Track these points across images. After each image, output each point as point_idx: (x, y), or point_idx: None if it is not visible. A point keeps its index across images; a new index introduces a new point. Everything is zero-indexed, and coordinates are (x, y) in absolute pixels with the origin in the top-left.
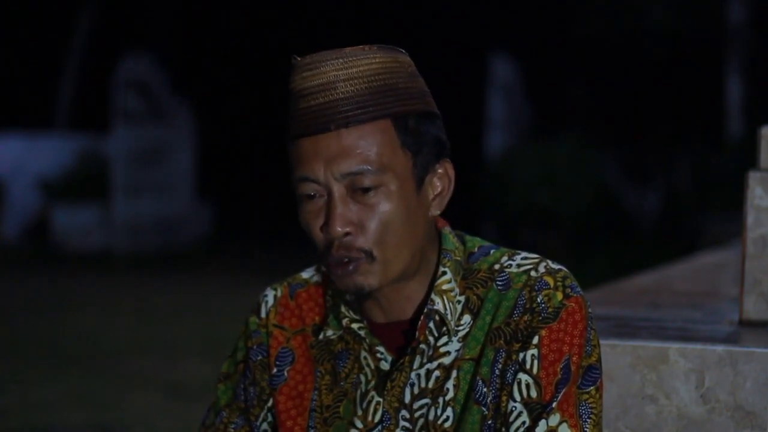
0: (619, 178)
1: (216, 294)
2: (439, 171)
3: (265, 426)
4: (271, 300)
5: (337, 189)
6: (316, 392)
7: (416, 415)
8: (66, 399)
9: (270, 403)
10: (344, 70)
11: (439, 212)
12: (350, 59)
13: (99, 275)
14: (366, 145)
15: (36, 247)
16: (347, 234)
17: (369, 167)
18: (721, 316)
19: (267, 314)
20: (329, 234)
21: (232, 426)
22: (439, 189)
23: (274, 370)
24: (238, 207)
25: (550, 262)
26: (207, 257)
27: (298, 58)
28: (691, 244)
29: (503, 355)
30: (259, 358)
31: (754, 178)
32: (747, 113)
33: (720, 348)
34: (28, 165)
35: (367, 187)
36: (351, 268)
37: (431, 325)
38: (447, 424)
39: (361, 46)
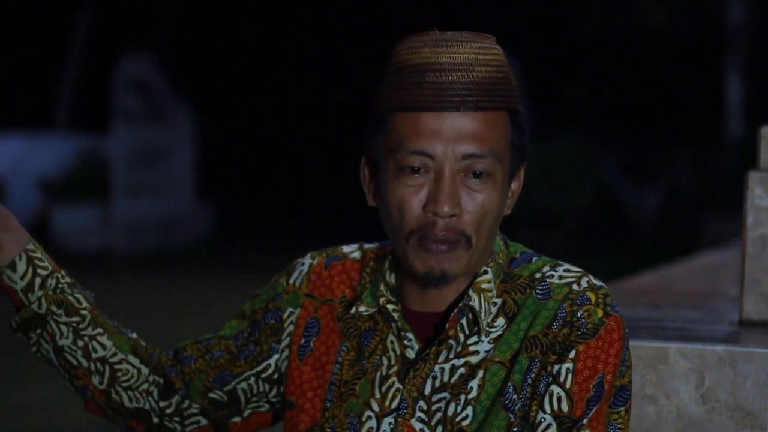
0: (619, 178)
1: (216, 294)
2: (519, 175)
3: (243, 385)
4: (306, 268)
5: (450, 169)
6: (337, 366)
7: (434, 407)
8: (66, 399)
9: (268, 371)
10: (482, 54)
11: (509, 212)
12: (485, 44)
13: (99, 275)
14: (489, 131)
15: None
16: (453, 215)
17: (488, 152)
18: (721, 316)
19: (299, 282)
20: (436, 212)
21: (215, 352)
22: (513, 191)
23: (302, 341)
24: (238, 207)
25: (592, 278)
26: (207, 257)
27: (437, 31)
28: (691, 244)
29: (537, 364)
30: (272, 322)
31: (754, 178)
32: (747, 113)
33: (720, 348)
34: (28, 165)
35: (480, 172)
36: (445, 247)
37: (463, 322)
38: (465, 423)
39: (488, 35)
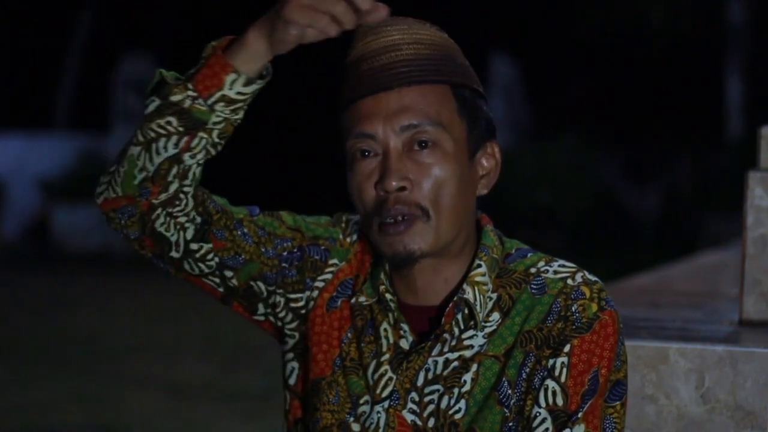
0: (619, 178)
1: None
2: (488, 151)
3: (276, 299)
4: (359, 233)
5: (394, 144)
6: (347, 339)
7: (426, 399)
8: (66, 399)
9: (299, 303)
10: (409, 34)
11: (486, 192)
12: (415, 27)
13: (99, 275)
14: (426, 102)
15: (36, 247)
16: (402, 189)
17: (429, 121)
18: (721, 316)
19: (352, 242)
20: (384, 188)
21: (269, 249)
22: (486, 169)
23: (334, 293)
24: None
25: (586, 273)
26: None
27: (364, 27)
28: (691, 244)
29: (532, 359)
30: (316, 258)
31: (754, 178)
32: (747, 113)
33: (720, 348)
34: (28, 165)
35: (425, 141)
36: (403, 227)
37: (459, 317)
38: (458, 416)
39: (423, 20)
